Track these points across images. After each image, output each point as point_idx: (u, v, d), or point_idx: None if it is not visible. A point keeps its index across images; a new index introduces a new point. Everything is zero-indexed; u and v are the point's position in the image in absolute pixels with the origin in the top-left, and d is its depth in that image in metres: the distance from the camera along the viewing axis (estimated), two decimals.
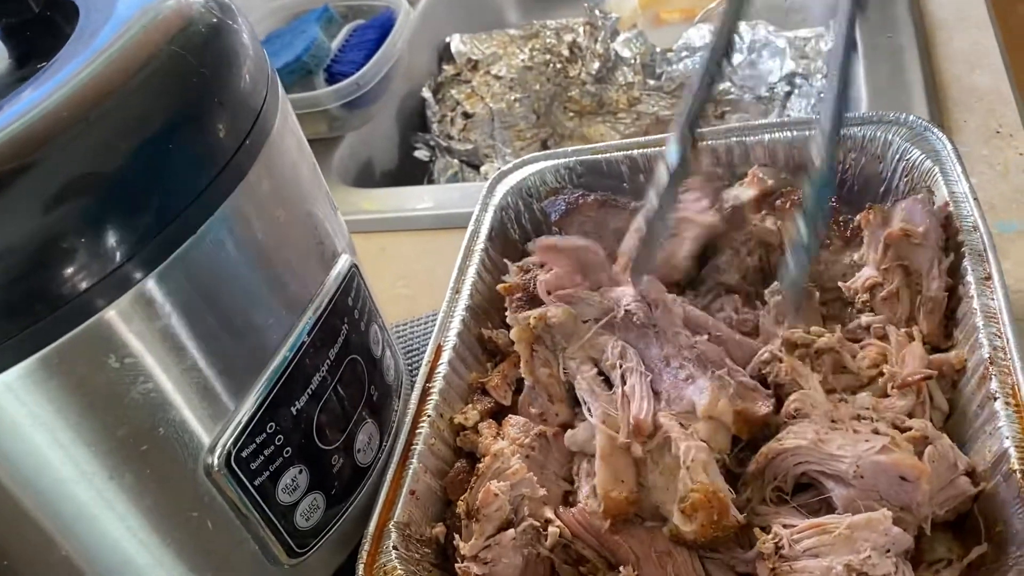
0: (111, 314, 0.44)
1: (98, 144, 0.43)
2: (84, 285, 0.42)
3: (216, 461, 0.50)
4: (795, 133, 0.78)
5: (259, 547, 0.54)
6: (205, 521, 0.52)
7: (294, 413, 0.53)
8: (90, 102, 0.43)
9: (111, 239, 0.43)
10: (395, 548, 0.58)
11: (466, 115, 1.31)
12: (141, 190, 0.44)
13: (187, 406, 0.48)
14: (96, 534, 0.50)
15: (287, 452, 0.53)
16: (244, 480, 0.51)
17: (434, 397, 0.67)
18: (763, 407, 0.59)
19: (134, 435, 0.47)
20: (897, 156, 0.74)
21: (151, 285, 0.45)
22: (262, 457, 0.52)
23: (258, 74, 0.52)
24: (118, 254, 0.43)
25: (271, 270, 0.52)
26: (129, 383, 0.45)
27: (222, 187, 0.47)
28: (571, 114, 1.38)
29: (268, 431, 0.52)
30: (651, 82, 1.34)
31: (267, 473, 0.52)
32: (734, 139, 0.80)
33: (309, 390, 0.54)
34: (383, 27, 1.15)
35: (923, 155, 0.72)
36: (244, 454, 0.51)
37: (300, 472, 0.55)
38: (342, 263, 0.58)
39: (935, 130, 0.74)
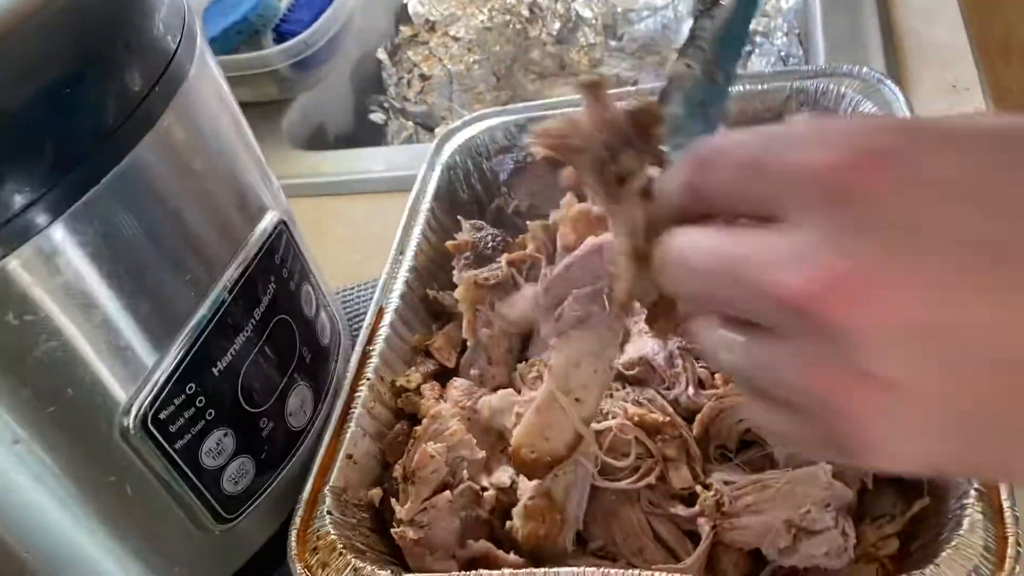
0: (10, 266, 0.41)
1: None
2: None
3: (132, 423, 0.48)
4: (747, 87, 0.76)
5: (185, 513, 0.53)
6: (124, 486, 0.50)
7: (216, 374, 0.51)
8: None
9: (8, 184, 0.41)
10: (329, 513, 0.57)
11: (423, 77, 1.29)
12: (41, 133, 0.42)
13: (98, 366, 0.46)
14: (11, 498, 0.48)
15: (210, 414, 0.51)
16: (163, 443, 0.49)
17: (374, 360, 0.65)
18: None
19: (39, 396, 0.45)
20: (850, 109, 0.73)
21: (53, 235, 0.42)
22: (183, 419, 0.50)
23: (172, 18, 0.50)
24: (16, 201, 0.41)
25: (187, 224, 0.49)
26: (31, 341, 0.43)
27: (130, 133, 0.45)
28: (532, 76, 1.35)
29: (188, 392, 0.50)
30: (613, 43, 1.31)
31: (189, 436, 0.50)
32: None
33: (233, 350, 0.52)
34: None
35: (876, 108, 0.71)
36: (162, 416, 0.49)
37: (226, 435, 0.53)
38: (269, 219, 0.56)
39: (888, 83, 0.72)
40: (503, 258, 0.67)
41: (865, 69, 0.74)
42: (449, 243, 0.71)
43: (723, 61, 0.47)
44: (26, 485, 0.47)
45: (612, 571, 0.49)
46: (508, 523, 0.55)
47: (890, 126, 0.30)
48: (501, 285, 0.66)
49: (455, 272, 0.69)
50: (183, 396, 0.50)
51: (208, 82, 0.53)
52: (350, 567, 0.53)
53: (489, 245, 0.70)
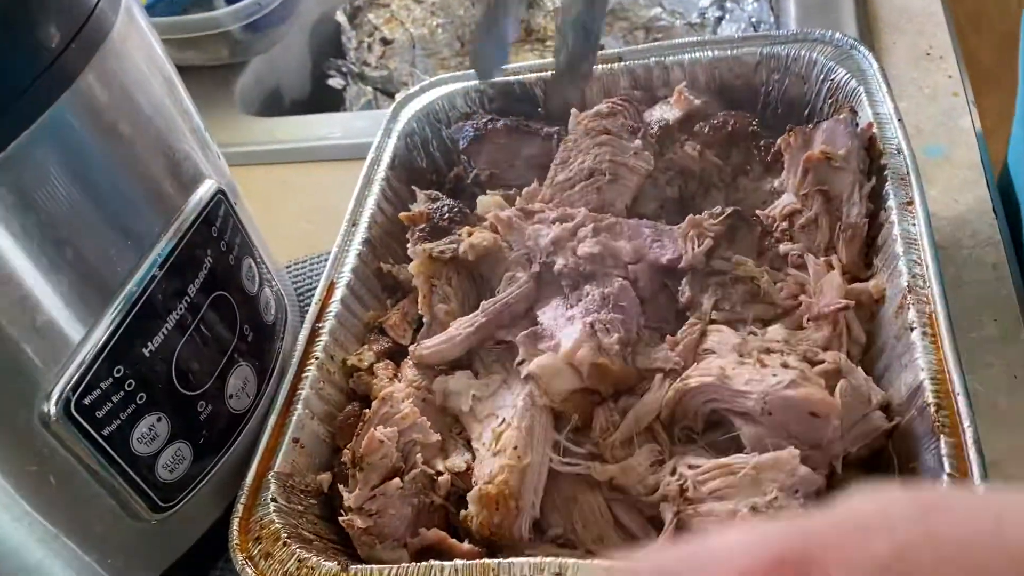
0: None
1: None
2: None
3: (53, 409, 0.44)
4: (715, 53, 0.73)
5: (117, 502, 0.49)
6: (47, 476, 0.46)
7: (147, 354, 0.48)
8: None
9: None
10: (274, 500, 0.54)
11: (385, 41, 1.24)
12: None
13: (14, 345, 0.43)
14: None
15: (141, 398, 0.48)
16: (89, 430, 0.46)
17: (324, 338, 0.62)
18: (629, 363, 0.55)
19: None
20: (822, 76, 0.70)
21: None
22: (110, 404, 0.46)
23: None
24: None
25: (112, 191, 0.46)
26: None
27: (44, 93, 0.41)
28: None
29: (116, 375, 0.46)
30: None
31: (118, 422, 0.47)
32: (653, 60, 0.74)
33: (165, 329, 0.48)
34: None
35: (848, 74, 0.68)
36: (87, 401, 0.45)
37: (159, 420, 0.49)
38: (205, 189, 0.52)
39: (861, 48, 0.69)
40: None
41: (838, 35, 0.71)
42: (403, 215, 0.68)
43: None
44: None
45: (570, 560, 0.46)
46: (462, 512, 0.52)
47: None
48: (457, 258, 0.63)
49: (409, 245, 0.65)
50: (110, 379, 0.46)
51: (136, 40, 0.49)
52: (294, 558, 0.50)
53: (445, 216, 0.66)
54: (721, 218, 0.61)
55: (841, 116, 0.64)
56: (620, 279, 0.57)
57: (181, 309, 0.49)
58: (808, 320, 0.57)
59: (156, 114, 0.50)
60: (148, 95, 0.49)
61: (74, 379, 0.44)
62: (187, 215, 0.50)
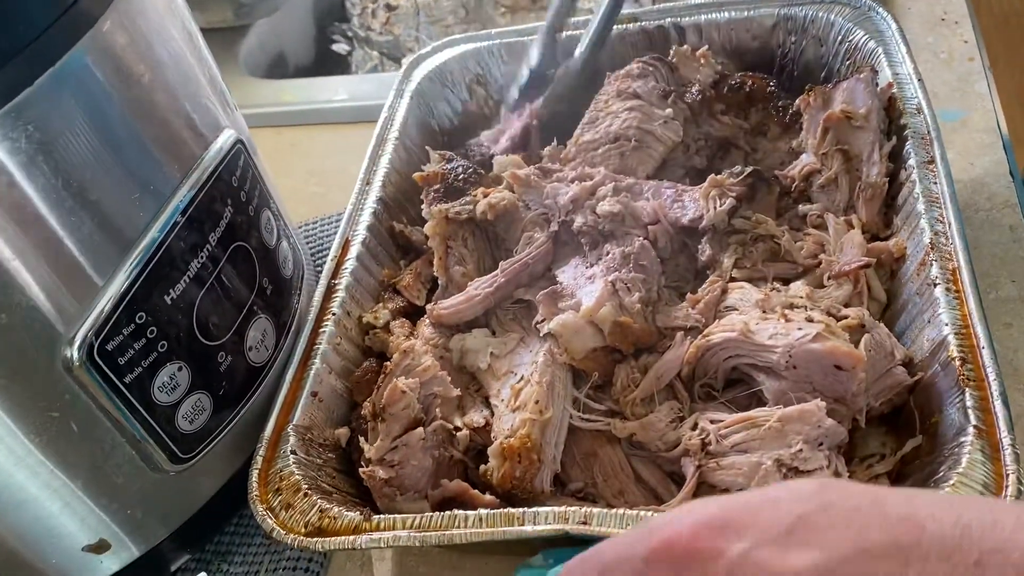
0: None
1: None
2: None
3: (75, 354, 0.44)
4: (732, 14, 0.73)
5: (137, 452, 0.49)
6: (68, 422, 0.46)
7: (168, 302, 0.47)
8: None
9: None
10: (293, 452, 0.53)
11: (389, 7, 1.23)
12: None
13: (36, 290, 0.42)
14: None
15: (162, 346, 0.47)
16: (111, 376, 0.45)
17: (340, 294, 0.62)
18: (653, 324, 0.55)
19: None
20: (839, 38, 0.69)
21: None
22: (132, 351, 0.46)
23: None
24: None
25: (133, 137, 0.45)
26: None
27: (65, 33, 0.40)
28: (502, 9, 1.30)
29: (138, 321, 0.46)
30: None
31: (139, 369, 0.47)
32: (668, 21, 0.74)
33: (186, 277, 0.48)
34: None
35: (867, 36, 0.68)
36: (109, 347, 0.45)
37: (180, 369, 0.49)
38: (224, 138, 0.51)
39: (879, 10, 0.69)
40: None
41: None
42: (417, 175, 0.67)
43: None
44: None
45: (594, 509, 0.46)
46: (482, 466, 0.52)
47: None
48: (473, 219, 0.62)
49: (424, 206, 0.65)
50: (132, 325, 0.46)
51: None
52: (315, 508, 0.50)
53: (460, 177, 0.66)
54: (741, 177, 0.60)
55: (862, 75, 0.63)
56: (640, 238, 0.57)
57: (202, 258, 0.49)
58: (829, 278, 0.56)
59: (176, 62, 0.49)
60: (168, 43, 0.49)
61: (97, 324, 0.44)
62: (207, 163, 0.49)
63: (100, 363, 0.45)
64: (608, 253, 0.56)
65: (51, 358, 0.44)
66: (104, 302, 0.44)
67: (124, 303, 0.45)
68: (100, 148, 0.43)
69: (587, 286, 0.56)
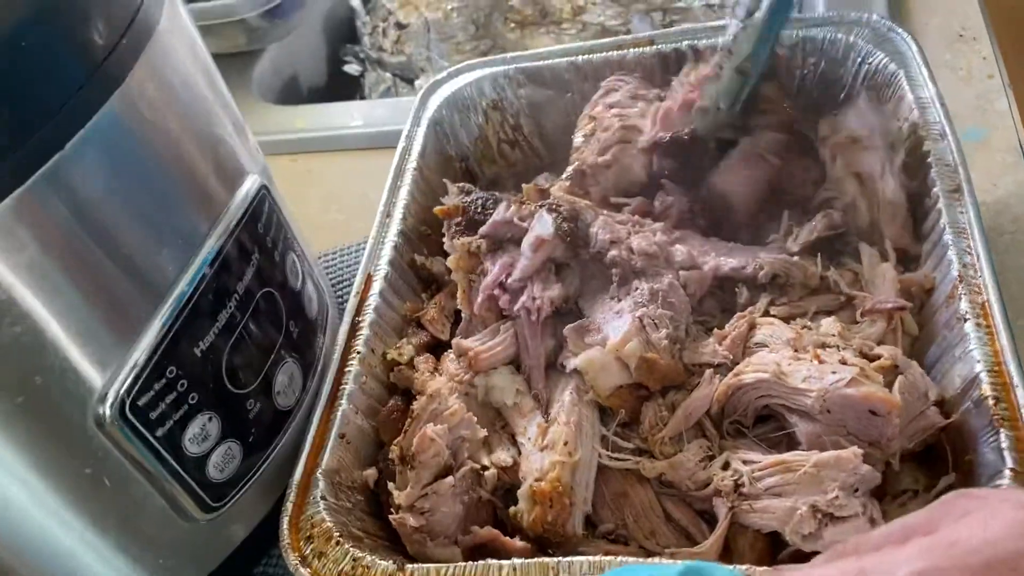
0: None
1: None
2: None
3: (108, 411, 0.44)
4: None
5: (168, 503, 0.49)
6: (101, 478, 0.46)
7: (199, 355, 0.47)
8: None
9: None
10: (323, 498, 0.53)
11: (399, 26, 1.22)
12: None
13: (69, 350, 0.42)
14: None
15: (193, 398, 0.47)
16: (143, 431, 0.45)
17: (364, 331, 0.61)
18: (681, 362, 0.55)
19: (5, 386, 0.40)
20: (859, 59, 0.69)
21: (14, 207, 0.38)
22: (163, 405, 0.46)
23: None
24: None
25: (163, 191, 0.45)
26: None
27: (95, 93, 0.40)
28: (512, 25, 1.29)
29: (169, 376, 0.46)
30: None
31: (170, 423, 0.46)
32: (685, 43, 0.73)
33: (216, 328, 0.48)
34: None
35: (887, 58, 0.67)
36: (141, 402, 0.45)
37: (210, 420, 0.49)
38: (249, 184, 0.51)
39: (899, 30, 0.69)
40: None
41: (875, 16, 0.70)
42: (437, 209, 0.67)
43: (754, 58, 0.63)
44: None
45: (630, 559, 0.46)
46: (512, 508, 0.52)
47: None
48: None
49: (446, 239, 0.65)
50: (163, 380, 0.45)
51: (180, 34, 0.48)
52: (348, 556, 0.50)
53: (480, 209, 0.65)
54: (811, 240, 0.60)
55: (860, 98, 0.63)
56: (670, 276, 0.56)
57: (230, 307, 0.49)
58: (862, 314, 0.56)
59: (200, 108, 0.49)
60: (192, 89, 0.48)
61: (128, 381, 0.44)
62: (233, 212, 0.49)
63: (132, 419, 0.45)
64: (637, 289, 0.56)
65: (83, 416, 0.44)
66: (135, 358, 0.44)
67: (155, 358, 0.45)
68: (130, 202, 0.43)
69: (614, 320, 0.56)
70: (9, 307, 0.39)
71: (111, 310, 0.43)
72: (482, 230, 0.61)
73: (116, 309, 0.43)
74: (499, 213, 0.61)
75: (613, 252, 0.57)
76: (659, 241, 0.57)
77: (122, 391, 0.44)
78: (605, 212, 0.60)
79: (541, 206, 0.59)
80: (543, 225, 0.58)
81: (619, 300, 0.56)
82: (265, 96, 1.04)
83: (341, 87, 1.16)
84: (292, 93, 1.10)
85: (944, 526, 0.32)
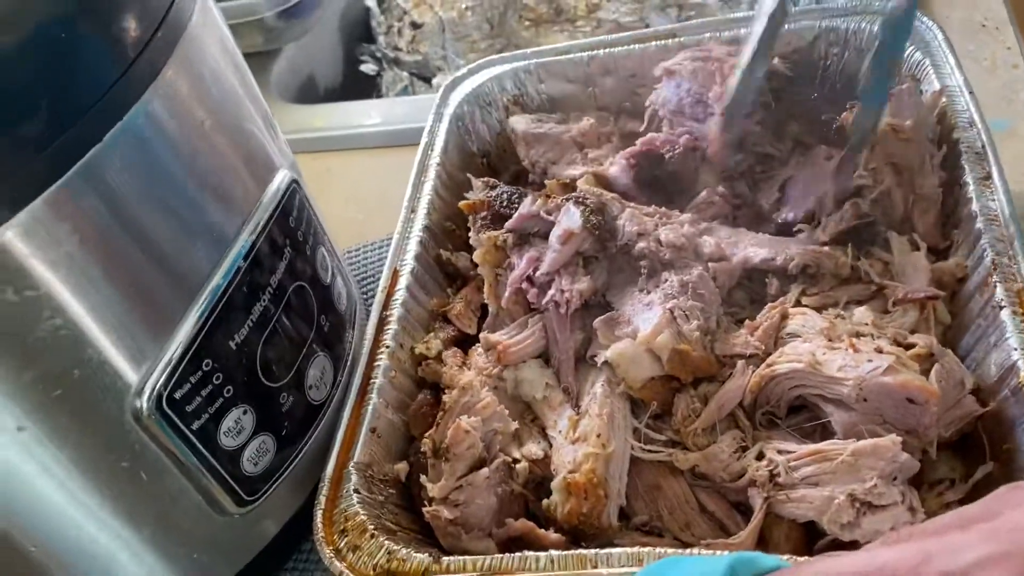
0: (6, 236, 0.37)
1: None
2: None
3: (145, 405, 0.44)
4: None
5: (203, 497, 0.49)
6: (138, 472, 0.46)
7: (234, 348, 0.47)
8: None
9: None
10: (356, 492, 0.53)
11: (414, 25, 1.22)
12: (32, 88, 0.37)
13: (106, 344, 0.42)
14: (16, 489, 0.43)
15: (228, 392, 0.47)
16: (179, 425, 0.45)
17: (392, 326, 0.61)
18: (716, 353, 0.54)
19: (44, 379, 0.40)
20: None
21: (52, 201, 0.38)
22: (199, 398, 0.46)
23: None
24: (8, 164, 0.36)
25: (196, 185, 0.45)
26: (33, 319, 0.39)
27: (131, 87, 0.40)
28: (527, 23, 1.29)
29: (204, 369, 0.46)
30: None
31: (206, 416, 0.46)
32: (707, 35, 0.73)
33: (250, 322, 0.48)
34: None
35: (912, 46, 0.67)
36: (177, 396, 0.45)
37: (245, 413, 0.49)
38: (280, 178, 0.51)
39: (925, 19, 0.68)
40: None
41: (894, 3, 0.69)
42: (462, 203, 0.67)
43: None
44: (32, 475, 0.43)
45: (669, 550, 0.46)
46: (545, 501, 0.52)
47: None
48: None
49: (472, 234, 0.64)
50: (199, 373, 0.45)
51: (211, 29, 0.48)
52: (383, 550, 0.50)
53: (505, 203, 0.65)
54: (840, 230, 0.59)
55: (904, 86, 0.63)
56: (699, 268, 0.56)
57: (264, 301, 0.49)
58: (894, 303, 0.56)
59: (232, 103, 0.49)
60: (223, 85, 0.48)
61: (164, 374, 0.44)
62: (266, 206, 0.49)
63: (168, 412, 0.45)
64: (666, 281, 0.55)
65: (120, 410, 0.44)
66: (171, 352, 0.44)
67: (190, 351, 0.45)
68: (165, 198, 0.43)
69: (644, 312, 0.55)
70: (47, 301, 0.39)
71: (147, 304, 0.43)
72: (508, 224, 0.61)
73: (152, 303, 0.43)
74: (525, 207, 0.61)
75: (641, 244, 0.56)
76: (687, 233, 0.57)
77: (159, 385, 0.44)
78: (632, 204, 0.60)
79: (568, 199, 0.59)
80: (571, 218, 0.58)
81: (648, 292, 0.56)
82: (283, 95, 1.04)
83: (358, 86, 1.16)
84: (309, 92, 1.10)
85: (1006, 514, 0.32)
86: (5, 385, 0.39)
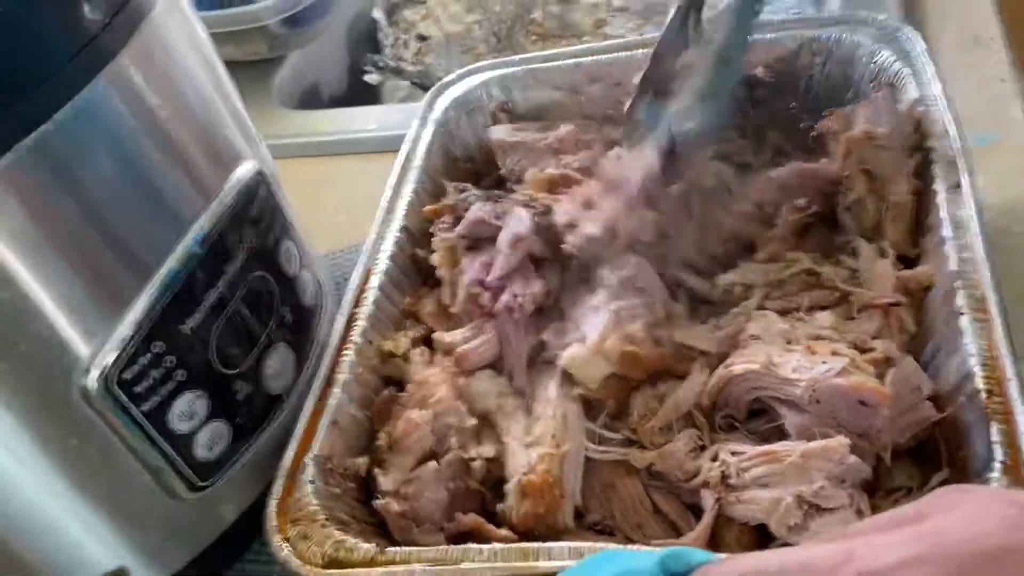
0: None
1: None
2: None
3: (94, 384, 0.44)
4: (755, 36, 0.72)
5: (154, 479, 0.49)
6: (87, 451, 0.46)
7: (187, 332, 0.48)
8: None
9: None
10: (311, 482, 0.53)
11: (421, 38, 1.24)
12: None
13: (55, 320, 0.43)
14: None
15: (180, 375, 0.48)
16: (128, 405, 0.46)
17: (361, 323, 0.62)
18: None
19: None
20: (865, 58, 0.68)
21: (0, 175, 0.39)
22: (150, 380, 0.47)
23: None
24: None
25: (152, 169, 0.46)
26: None
27: (83, 69, 0.41)
28: (534, 38, 1.31)
29: (155, 351, 0.46)
30: (617, 2, 1.27)
31: (157, 398, 0.47)
32: None
33: (204, 307, 0.49)
34: None
35: (893, 56, 0.67)
36: (127, 376, 0.45)
37: (198, 398, 0.49)
38: (244, 169, 0.52)
39: (906, 30, 0.68)
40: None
41: (882, 16, 0.70)
42: (426, 209, 0.67)
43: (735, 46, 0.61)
44: None
45: (610, 546, 0.46)
46: (499, 505, 0.52)
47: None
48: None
49: (433, 239, 0.65)
50: (150, 355, 0.46)
51: (176, 19, 0.49)
52: (331, 540, 0.50)
53: (466, 208, 0.66)
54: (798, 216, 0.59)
55: (879, 93, 0.62)
56: (635, 258, 0.56)
57: (220, 287, 0.49)
58: (858, 310, 0.55)
59: (196, 96, 0.50)
60: (189, 77, 0.50)
61: (114, 354, 0.45)
62: (226, 193, 0.50)
63: (118, 392, 0.45)
64: (605, 279, 0.55)
65: (68, 388, 0.44)
66: (122, 331, 0.45)
67: (142, 332, 0.46)
68: (119, 179, 0.44)
69: (591, 317, 0.55)
70: None
71: (98, 283, 0.44)
72: (457, 229, 0.62)
73: (103, 282, 0.44)
74: (473, 212, 0.61)
75: (570, 239, 0.56)
76: (609, 217, 0.57)
77: (107, 364, 0.45)
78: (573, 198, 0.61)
79: (517, 203, 0.60)
80: (519, 221, 0.58)
81: (593, 293, 0.56)
82: (285, 103, 1.06)
83: (361, 95, 1.17)
84: (312, 100, 1.11)
85: (934, 517, 0.31)
86: None
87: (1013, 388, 0.47)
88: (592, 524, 0.53)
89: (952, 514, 0.31)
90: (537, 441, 0.51)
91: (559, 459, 0.50)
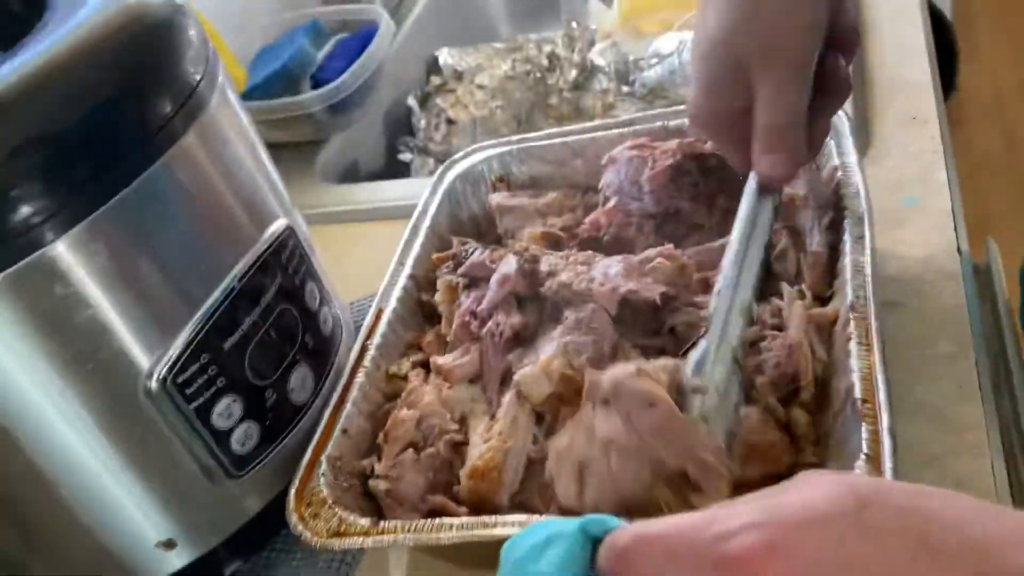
0: (58, 248, 0.53)
1: (49, 108, 0.53)
2: (34, 222, 0.52)
3: (154, 384, 0.58)
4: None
5: (198, 466, 0.63)
6: (148, 437, 0.60)
7: (226, 348, 0.62)
8: (41, 78, 0.53)
9: (58, 184, 0.52)
10: (323, 476, 0.66)
11: (449, 121, 1.40)
12: (88, 146, 0.54)
13: (125, 335, 0.57)
14: (52, 439, 0.58)
15: (221, 382, 0.62)
16: (180, 403, 0.60)
17: (372, 352, 0.75)
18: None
19: (79, 355, 0.56)
20: None
21: (92, 225, 0.54)
22: (197, 383, 0.60)
23: (196, 59, 0.61)
24: (63, 196, 0.52)
25: (205, 224, 0.61)
26: (73, 308, 0.55)
27: (155, 148, 0.57)
28: (551, 120, 1.46)
29: (202, 361, 0.60)
30: (625, 88, 1.41)
31: (202, 399, 0.61)
32: (659, 124, 0.87)
33: (241, 330, 0.63)
34: (367, 39, 1.24)
35: None
36: (180, 380, 0.59)
37: (234, 401, 0.63)
38: (277, 225, 0.67)
39: (841, 112, 0.80)
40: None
41: None
42: (434, 256, 0.81)
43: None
44: (66, 431, 0.58)
45: (551, 517, 0.57)
46: (455, 487, 0.64)
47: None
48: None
49: (438, 279, 0.79)
50: (198, 364, 0.60)
51: (227, 111, 0.64)
52: (336, 517, 0.62)
53: (467, 255, 0.79)
54: None
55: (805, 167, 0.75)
56: (592, 305, 0.68)
57: (254, 315, 0.63)
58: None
59: (241, 169, 0.65)
60: (235, 155, 0.65)
61: (170, 363, 0.59)
62: (262, 243, 0.65)
63: (173, 392, 0.59)
64: (567, 318, 0.68)
65: (135, 387, 0.58)
66: (177, 346, 0.59)
67: (192, 347, 0.59)
68: (178, 232, 0.59)
69: (547, 346, 0.68)
70: (83, 296, 0.55)
71: (159, 308, 0.59)
72: (460, 270, 0.75)
73: (163, 307, 0.59)
74: (474, 257, 0.75)
75: (548, 283, 0.69)
76: (580, 271, 0.70)
77: (164, 370, 0.58)
78: (558, 254, 0.74)
79: (511, 251, 0.73)
80: (508, 265, 0.71)
81: (556, 328, 0.68)
82: (328, 178, 1.22)
83: (395, 171, 1.33)
84: (352, 175, 1.27)
85: (788, 493, 0.39)
86: (51, 357, 0.55)
87: (882, 395, 0.57)
88: (531, 511, 0.64)
89: (796, 490, 0.39)
90: (491, 437, 0.63)
91: (504, 452, 0.62)
